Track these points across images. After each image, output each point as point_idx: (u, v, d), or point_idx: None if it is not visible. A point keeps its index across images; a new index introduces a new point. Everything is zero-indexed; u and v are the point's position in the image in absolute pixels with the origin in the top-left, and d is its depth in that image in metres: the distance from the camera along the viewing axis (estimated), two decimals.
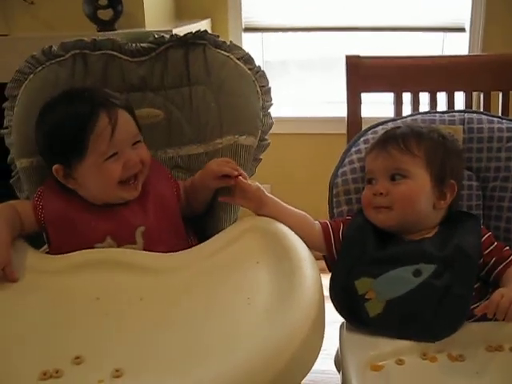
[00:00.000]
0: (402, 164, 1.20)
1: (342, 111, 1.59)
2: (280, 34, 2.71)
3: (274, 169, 2.59)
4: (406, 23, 2.57)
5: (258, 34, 2.73)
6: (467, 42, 2.51)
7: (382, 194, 1.20)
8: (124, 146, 1.19)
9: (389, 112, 1.59)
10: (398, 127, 1.30)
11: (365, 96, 1.56)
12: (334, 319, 1.10)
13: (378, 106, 1.80)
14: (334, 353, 1.24)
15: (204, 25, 2.53)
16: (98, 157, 1.17)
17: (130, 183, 1.22)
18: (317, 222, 1.26)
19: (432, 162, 1.20)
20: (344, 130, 1.57)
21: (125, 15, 2.16)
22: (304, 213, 1.26)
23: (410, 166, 1.20)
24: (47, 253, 1.24)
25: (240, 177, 1.23)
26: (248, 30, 2.66)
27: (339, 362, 1.08)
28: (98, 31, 2.14)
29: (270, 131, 1.36)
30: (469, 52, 2.50)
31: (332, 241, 1.23)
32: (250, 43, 2.68)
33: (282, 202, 1.26)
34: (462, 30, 2.55)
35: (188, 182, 1.33)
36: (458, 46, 2.59)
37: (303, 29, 2.66)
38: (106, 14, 2.14)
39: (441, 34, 2.64)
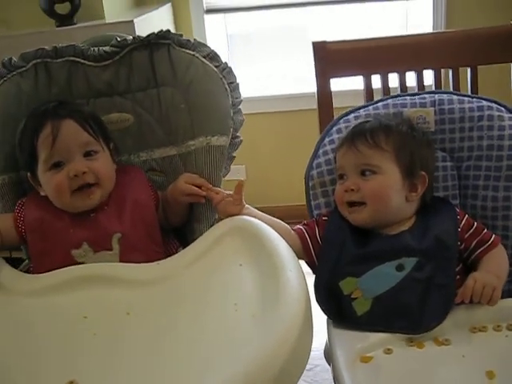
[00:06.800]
0: (371, 160, 1.20)
1: (309, 87, 1.58)
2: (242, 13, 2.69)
3: (247, 149, 2.57)
4: None
5: (221, 15, 2.69)
6: (431, 9, 2.51)
7: (353, 190, 1.20)
8: (71, 155, 1.19)
9: (358, 85, 1.57)
10: (367, 121, 1.28)
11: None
12: None
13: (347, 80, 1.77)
14: (320, 329, 1.24)
15: (165, 10, 2.50)
16: (43, 165, 1.20)
17: (84, 191, 1.20)
18: (292, 229, 1.25)
19: (401, 155, 1.20)
20: (313, 106, 1.56)
21: (83, 7, 2.12)
22: (280, 220, 1.25)
23: (380, 162, 1.19)
24: (28, 269, 1.24)
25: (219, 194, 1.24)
26: (210, 11, 2.62)
27: (329, 355, 1.10)
28: (57, 26, 2.09)
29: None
30: (433, 19, 2.50)
31: (310, 247, 1.23)
32: (212, 24, 2.65)
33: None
34: None
35: (163, 195, 1.32)
36: (422, 13, 2.58)
37: (265, 7, 2.63)
38: (63, 8, 2.09)
39: (404, 2, 2.64)
